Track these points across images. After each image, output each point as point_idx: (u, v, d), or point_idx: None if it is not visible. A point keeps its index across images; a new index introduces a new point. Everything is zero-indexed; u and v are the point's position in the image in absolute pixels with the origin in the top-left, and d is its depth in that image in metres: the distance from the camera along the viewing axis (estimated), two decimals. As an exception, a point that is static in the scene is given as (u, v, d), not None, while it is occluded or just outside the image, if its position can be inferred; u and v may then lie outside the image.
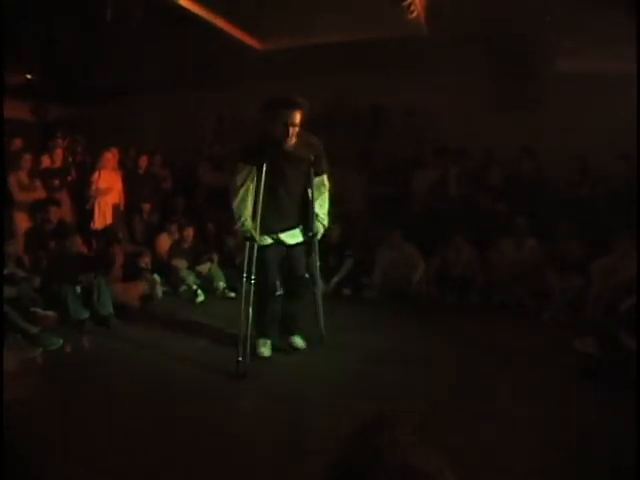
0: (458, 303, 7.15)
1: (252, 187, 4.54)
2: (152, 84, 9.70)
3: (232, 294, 7.38)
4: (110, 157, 8.46)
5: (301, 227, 4.86)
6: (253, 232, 4.56)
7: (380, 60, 8.27)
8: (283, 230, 4.77)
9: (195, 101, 10.12)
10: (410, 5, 6.63)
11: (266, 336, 4.96)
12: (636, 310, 5.21)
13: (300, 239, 4.87)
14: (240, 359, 4.46)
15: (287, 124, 4.36)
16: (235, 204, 4.55)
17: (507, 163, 8.17)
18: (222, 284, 7.51)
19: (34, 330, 5.25)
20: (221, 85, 9.55)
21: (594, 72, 7.60)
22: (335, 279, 7.46)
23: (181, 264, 7.57)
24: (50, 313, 5.77)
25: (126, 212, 8.73)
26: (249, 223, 4.56)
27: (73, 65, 8.94)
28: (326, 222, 4.92)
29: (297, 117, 4.37)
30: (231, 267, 7.82)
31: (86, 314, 5.93)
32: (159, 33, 7.60)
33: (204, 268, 7.62)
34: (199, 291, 7.24)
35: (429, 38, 7.59)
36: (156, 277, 7.22)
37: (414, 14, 6.82)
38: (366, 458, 1.09)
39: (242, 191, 4.52)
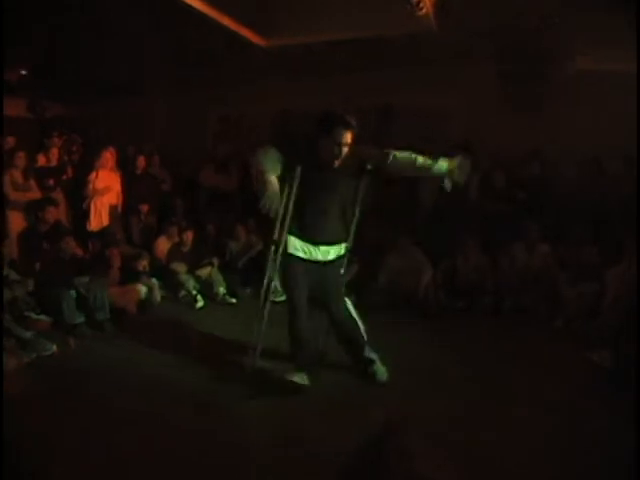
0: (467, 310, 7.09)
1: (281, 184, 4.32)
2: (153, 82, 9.68)
3: (233, 300, 7.37)
4: (109, 157, 8.44)
5: (341, 244, 4.70)
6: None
7: (387, 58, 8.25)
8: (316, 243, 4.57)
9: (197, 100, 10.11)
10: (419, 2, 6.61)
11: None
12: (637, 312, 5.29)
13: (333, 255, 4.65)
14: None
15: (341, 144, 4.26)
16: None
17: (517, 164, 8.14)
18: (222, 289, 7.46)
19: (27, 335, 5.20)
20: (224, 83, 9.53)
21: (606, 71, 7.56)
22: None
23: (180, 268, 7.51)
24: (44, 317, 5.74)
25: (123, 213, 8.71)
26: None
27: (70, 62, 8.92)
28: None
29: (350, 137, 4.30)
30: (232, 272, 7.83)
31: (81, 319, 5.89)
32: (160, 30, 7.58)
33: (204, 272, 7.56)
34: (199, 296, 7.20)
35: (438, 36, 7.56)
36: (154, 281, 7.15)
37: (423, 11, 6.80)
38: (375, 467, 1.06)
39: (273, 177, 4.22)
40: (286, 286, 4.64)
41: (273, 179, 4.15)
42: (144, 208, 8.78)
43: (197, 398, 4.25)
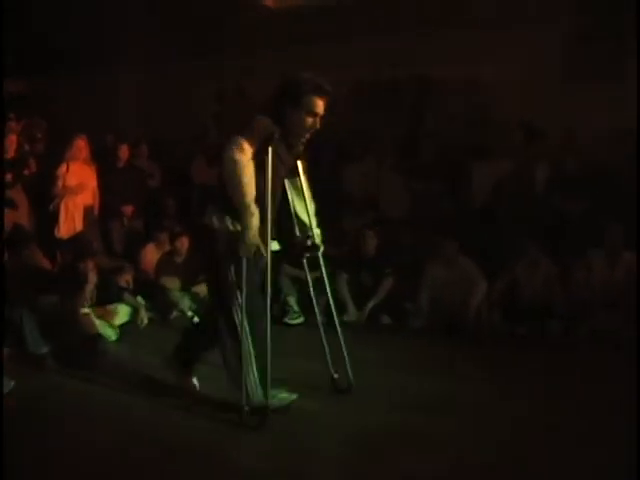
0: (531, 336, 6.94)
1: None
2: (135, 51, 9.60)
3: (237, 322, 7.22)
4: (82, 145, 8.37)
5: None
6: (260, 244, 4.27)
7: (427, 19, 8.10)
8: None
9: (190, 74, 10.05)
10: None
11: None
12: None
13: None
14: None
15: (317, 114, 4.34)
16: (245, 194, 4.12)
17: (596, 148, 7.98)
18: (224, 309, 7.30)
19: (-21, 369, 5.11)
20: (224, 53, 9.47)
21: None
22: (370, 303, 7.35)
23: (172, 284, 7.52)
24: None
25: (101, 216, 8.66)
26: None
27: (30, 24, 8.79)
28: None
29: (323, 107, 4.37)
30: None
31: (46, 348, 5.79)
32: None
33: (202, 289, 7.45)
34: (195, 319, 7.12)
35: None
36: (140, 300, 7.12)
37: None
38: None
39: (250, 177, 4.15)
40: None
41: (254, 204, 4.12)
42: (127, 210, 8.78)
43: (194, 448, 4.10)
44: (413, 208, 8.36)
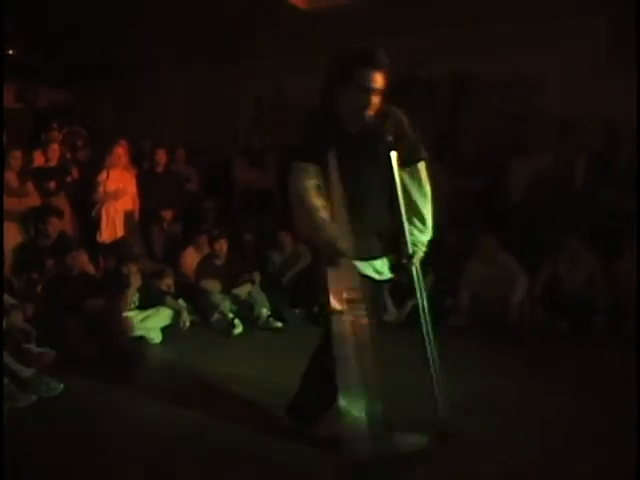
0: (574, 332, 6.86)
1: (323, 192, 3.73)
2: (170, 56, 9.65)
3: (278, 324, 7.31)
4: (121, 152, 8.43)
5: (387, 257, 3.95)
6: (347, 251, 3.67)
7: (465, 14, 8.08)
8: (367, 258, 3.84)
9: (227, 77, 10.08)
10: None
11: None
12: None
13: (387, 275, 3.94)
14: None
15: (369, 89, 3.57)
16: (307, 219, 3.73)
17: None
18: (265, 311, 7.40)
19: (26, 372, 5.14)
20: (259, 56, 9.48)
21: None
22: (410, 302, 7.29)
23: (213, 286, 7.51)
24: (47, 350, 5.69)
25: (142, 221, 8.73)
26: (342, 242, 3.63)
27: (69, 34, 8.89)
28: (426, 237, 4.03)
29: (381, 80, 3.58)
30: (277, 289, 7.75)
31: (91, 351, 5.89)
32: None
33: (242, 291, 7.53)
34: (236, 320, 7.14)
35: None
36: (181, 303, 7.18)
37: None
38: None
39: (313, 200, 3.70)
40: None
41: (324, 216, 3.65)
42: (167, 214, 8.80)
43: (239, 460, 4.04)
44: (452, 205, 8.33)
